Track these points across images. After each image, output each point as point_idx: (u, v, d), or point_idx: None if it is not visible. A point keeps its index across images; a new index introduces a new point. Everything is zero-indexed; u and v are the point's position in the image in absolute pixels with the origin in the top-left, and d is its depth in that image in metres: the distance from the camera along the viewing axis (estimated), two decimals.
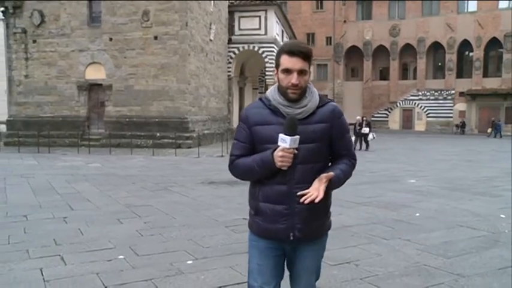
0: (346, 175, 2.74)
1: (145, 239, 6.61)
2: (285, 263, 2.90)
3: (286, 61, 2.61)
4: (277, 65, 2.68)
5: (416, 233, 7.02)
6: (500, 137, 39.98)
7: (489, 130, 41.92)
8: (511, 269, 5.38)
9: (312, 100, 2.69)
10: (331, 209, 2.92)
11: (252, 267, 2.87)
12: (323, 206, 2.72)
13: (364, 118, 25.72)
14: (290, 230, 2.68)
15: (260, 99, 2.81)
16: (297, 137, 2.52)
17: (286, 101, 2.66)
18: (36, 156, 19.71)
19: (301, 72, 2.61)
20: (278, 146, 2.54)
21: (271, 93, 2.74)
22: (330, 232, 2.99)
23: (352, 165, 2.82)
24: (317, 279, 2.95)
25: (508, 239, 6.77)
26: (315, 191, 2.54)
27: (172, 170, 15.40)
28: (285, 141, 2.51)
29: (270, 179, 2.68)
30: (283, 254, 2.84)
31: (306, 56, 2.62)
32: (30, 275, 5.09)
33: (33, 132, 23.96)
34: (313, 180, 2.61)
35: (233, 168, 2.83)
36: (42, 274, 5.11)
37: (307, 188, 2.59)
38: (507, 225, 7.63)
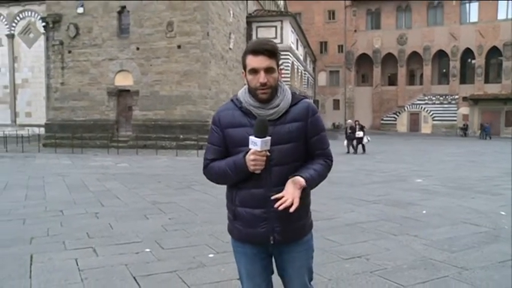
0: (321, 176, 2.48)
1: (170, 234, 6.64)
2: (274, 266, 2.69)
3: (252, 61, 2.38)
4: (244, 67, 2.44)
5: (423, 229, 6.96)
6: (490, 138, 39.92)
7: (479, 133, 41.88)
8: (511, 262, 5.33)
9: (284, 99, 2.45)
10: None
11: (241, 274, 2.68)
12: (302, 207, 2.43)
13: (357, 122, 24.44)
14: (270, 234, 2.46)
15: (232, 100, 2.56)
16: (268, 138, 2.31)
17: (257, 102, 2.42)
18: (71, 156, 19.93)
19: (268, 70, 2.37)
20: (250, 149, 2.33)
21: (242, 95, 2.49)
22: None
23: (327, 166, 2.55)
24: (311, 280, 2.70)
25: (507, 234, 6.70)
26: (290, 196, 2.30)
27: (195, 169, 15.43)
28: (256, 144, 2.29)
29: (247, 182, 2.45)
30: (270, 256, 2.62)
31: (271, 53, 2.38)
32: (66, 265, 5.15)
33: (68, 135, 24.24)
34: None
35: (207, 172, 2.61)
36: (77, 264, 5.17)
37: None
38: (507, 222, 7.55)
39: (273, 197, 2.34)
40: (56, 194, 10.22)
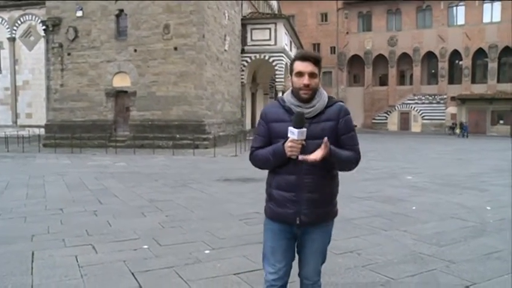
0: (348, 158, 2.79)
1: (167, 231, 6.64)
2: (296, 248, 2.97)
3: (299, 65, 2.73)
4: (291, 71, 2.79)
5: (413, 225, 7.01)
6: (467, 136, 40.15)
7: (457, 131, 42.28)
8: (495, 255, 5.39)
9: (320, 101, 2.78)
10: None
11: (265, 250, 2.95)
12: (328, 195, 2.86)
13: None
14: (297, 215, 2.77)
15: (277, 100, 2.92)
16: (304, 129, 2.62)
17: (298, 101, 2.76)
18: (70, 156, 19.87)
19: (312, 75, 2.72)
20: (288, 138, 2.65)
21: (286, 95, 2.84)
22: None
23: (355, 157, 2.84)
24: (323, 262, 3.01)
25: (493, 228, 6.77)
26: (314, 155, 2.63)
27: (191, 168, 15.44)
28: (293, 133, 2.61)
29: (282, 169, 2.78)
30: (294, 238, 2.90)
31: (316, 61, 2.74)
32: (67, 261, 5.16)
33: (67, 135, 24.17)
34: (320, 172, 2.75)
35: (252, 158, 2.93)
36: (77, 260, 5.17)
37: (315, 179, 2.75)
38: (492, 216, 7.61)
39: (300, 157, 2.65)
40: (55, 192, 10.19)
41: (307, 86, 2.70)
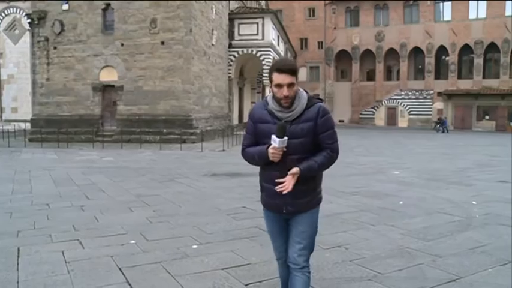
0: (320, 165, 3.05)
1: (154, 226, 6.62)
2: None
3: (277, 78, 2.94)
4: (271, 80, 3.01)
5: (400, 219, 7.05)
6: (447, 132, 40.53)
7: (437, 126, 42.57)
8: (480, 249, 5.45)
9: (299, 105, 3.02)
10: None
11: (267, 230, 3.43)
12: (310, 187, 3.14)
13: None
14: (283, 205, 3.12)
15: (263, 100, 3.19)
16: (285, 139, 2.92)
17: (279, 107, 3.02)
18: (56, 151, 19.70)
19: (290, 85, 2.94)
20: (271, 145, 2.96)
21: (269, 99, 3.09)
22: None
23: (330, 157, 3.08)
24: (311, 251, 3.25)
25: (478, 223, 6.84)
26: (287, 183, 2.97)
27: (178, 163, 15.39)
28: (275, 142, 2.91)
29: (268, 166, 3.10)
30: (286, 221, 3.26)
31: (292, 72, 2.95)
32: (53, 257, 5.11)
33: (53, 129, 23.91)
34: None
35: (243, 155, 3.28)
36: (64, 256, 5.13)
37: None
38: (478, 211, 7.69)
39: (276, 180, 3.01)
40: (42, 187, 10.10)
41: (286, 96, 2.94)
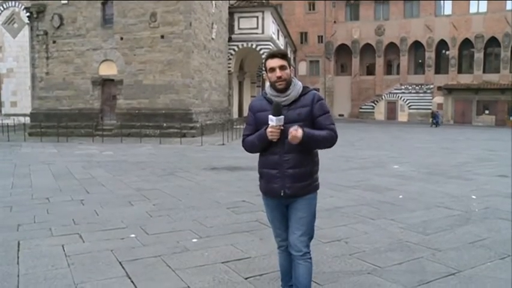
0: (322, 138, 3.19)
1: (154, 220, 6.63)
2: None
3: (270, 63, 3.25)
4: (266, 69, 3.31)
5: (399, 213, 7.06)
6: (439, 125, 40.72)
7: (430, 120, 42.64)
8: (479, 243, 5.46)
9: (294, 91, 3.25)
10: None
11: (268, 218, 3.56)
12: (307, 170, 3.28)
13: None
14: (281, 188, 3.25)
15: (262, 93, 3.42)
16: (281, 117, 3.12)
17: (275, 92, 3.26)
18: (56, 145, 19.70)
19: (282, 68, 3.22)
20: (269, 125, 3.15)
21: (267, 88, 3.35)
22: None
23: (330, 136, 3.22)
24: (311, 238, 3.38)
25: (477, 217, 6.85)
26: (296, 132, 3.05)
27: (178, 157, 15.40)
28: (272, 121, 3.11)
29: (267, 150, 3.27)
30: (285, 207, 3.38)
31: (282, 56, 3.26)
32: (53, 250, 5.12)
33: (53, 124, 23.89)
34: (298, 151, 3.19)
35: (244, 144, 3.44)
36: (64, 250, 5.15)
37: (294, 157, 3.21)
38: (478, 205, 7.70)
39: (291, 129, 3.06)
40: (42, 181, 10.11)
41: (279, 77, 3.20)
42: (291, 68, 3.29)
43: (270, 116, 3.12)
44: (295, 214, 3.31)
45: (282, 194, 3.25)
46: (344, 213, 6.99)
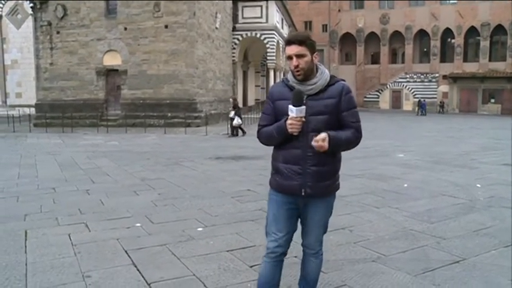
0: (347, 140, 2.87)
1: (160, 209, 6.66)
2: (299, 219, 3.11)
3: (287, 50, 2.85)
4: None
5: (404, 202, 7.07)
6: (425, 114, 40.86)
7: (417, 109, 42.84)
8: (484, 231, 5.47)
9: (321, 79, 2.88)
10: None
11: (269, 216, 3.09)
12: (331, 169, 2.98)
13: (231, 99, 21.16)
14: (302, 187, 2.89)
15: (282, 80, 3.02)
16: (303, 107, 2.74)
17: (297, 80, 2.88)
18: (61, 135, 19.79)
19: (299, 56, 2.81)
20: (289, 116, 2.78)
21: (289, 75, 2.95)
22: None
23: (355, 136, 2.92)
24: (324, 232, 3.18)
25: (482, 205, 6.85)
26: (323, 143, 2.73)
27: (183, 146, 15.43)
28: (292, 111, 2.74)
29: (288, 144, 2.89)
30: (297, 209, 3.03)
31: (300, 41, 2.82)
32: (60, 240, 5.16)
33: (58, 114, 23.99)
34: None
35: (260, 135, 3.07)
36: (70, 239, 5.18)
37: (318, 153, 2.82)
38: (482, 194, 7.70)
39: (313, 141, 2.75)
40: (47, 172, 10.17)
41: (296, 67, 2.81)
42: (315, 54, 2.90)
43: (290, 107, 2.75)
44: (313, 217, 3.05)
45: (303, 193, 2.90)
46: (348, 202, 7.00)
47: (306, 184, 2.89)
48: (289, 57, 2.85)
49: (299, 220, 3.13)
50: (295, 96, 2.75)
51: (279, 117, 2.90)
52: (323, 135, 2.73)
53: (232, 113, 19.62)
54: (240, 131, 19.55)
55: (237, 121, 19.24)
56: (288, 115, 2.77)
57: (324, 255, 3.30)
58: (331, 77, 2.95)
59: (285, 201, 3.00)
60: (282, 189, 2.99)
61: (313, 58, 2.88)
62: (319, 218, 3.07)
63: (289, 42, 2.85)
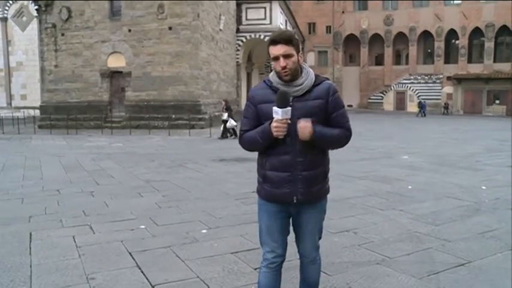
0: (334, 136, 2.77)
1: (164, 211, 6.66)
2: (291, 224, 2.99)
3: (272, 50, 2.71)
4: (269, 55, 2.76)
5: (408, 204, 7.04)
6: (425, 115, 40.57)
7: (418, 110, 42.43)
8: (489, 234, 5.44)
9: (307, 79, 2.76)
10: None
11: (262, 228, 2.96)
12: (322, 172, 2.86)
13: (223, 101, 20.78)
14: (294, 194, 2.77)
15: (264, 81, 2.88)
16: (288, 109, 2.60)
17: (283, 82, 2.73)
18: (66, 137, 19.83)
19: (287, 56, 2.68)
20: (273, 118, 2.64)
21: (273, 76, 2.80)
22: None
23: (344, 134, 2.82)
24: (320, 237, 3.05)
25: (487, 207, 6.82)
26: (307, 124, 2.64)
27: (187, 148, 15.44)
28: (277, 113, 2.60)
29: (276, 149, 2.75)
30: (289, 216, 2.92)
31: (287, 41, 2.68)
32: (64, 241, 5.17)
33: (62, 116, 24.09)
34: (312, 151, 2.76)
35: (242, 141, 2.92)
36: (75, 241, 5.19)
37: (308, 158, 2.75)
38: (487, 196, 7.66)
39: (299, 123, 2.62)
40: (52, 173, 10.19)
41: (284, 68, 2.68)
42: (300, 54, 2.76)
43: (275, 108, 2.60)
44: (306, 225, 2.93)
45: (294, 200, 2.78)
46: (353, 204, 6.99)
47: (297, 191, 2.77)
48: (275, 58, 2.70)
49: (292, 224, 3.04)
50: (281, 98, 2.62)
51: (263, 121, 2.77)
52: (305, 119, 2.64)
53: (225, 115, 19.34)
54: (232, 132, 19.30)
55: (230, 123, 19.08)
56: (273, 118, 2.63)
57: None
58: (317, 76, 2.84)
59: (276, 211, 2.87)
60: (272, 198, 2.85)
61: (299, 58, 2.76)
62: (313, 225, 2.96)
63: (274, 41, 2.70)
